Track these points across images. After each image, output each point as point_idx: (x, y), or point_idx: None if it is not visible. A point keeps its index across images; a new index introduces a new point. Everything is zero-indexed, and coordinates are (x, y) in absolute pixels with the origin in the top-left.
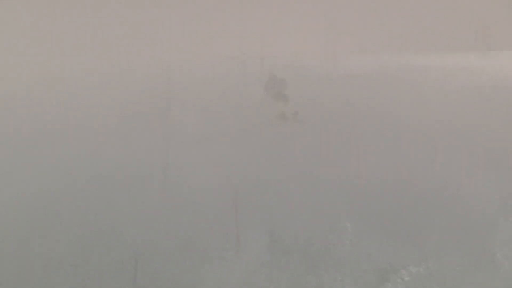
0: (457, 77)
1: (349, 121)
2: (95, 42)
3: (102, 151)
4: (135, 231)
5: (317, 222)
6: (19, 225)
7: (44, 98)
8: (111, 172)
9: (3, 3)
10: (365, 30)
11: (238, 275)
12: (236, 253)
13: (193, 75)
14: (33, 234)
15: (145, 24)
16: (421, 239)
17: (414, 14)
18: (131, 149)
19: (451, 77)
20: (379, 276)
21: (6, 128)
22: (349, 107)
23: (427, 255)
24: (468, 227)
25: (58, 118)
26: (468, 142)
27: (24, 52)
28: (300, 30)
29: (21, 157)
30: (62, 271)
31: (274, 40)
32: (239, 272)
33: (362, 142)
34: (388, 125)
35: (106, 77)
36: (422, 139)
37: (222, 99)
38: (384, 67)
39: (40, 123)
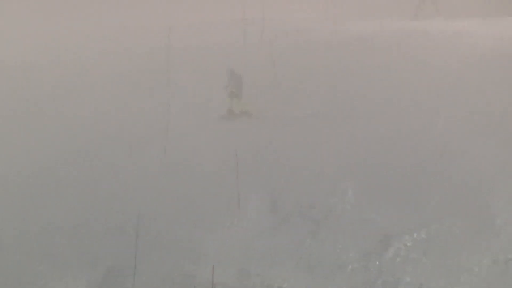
0: (457, 42)
1: (350, 86)
2: (95, 5)
3: (103, 114)
4: (137, 194)
5: (319, 186)
6: (19, 187)
7: (43, 62)
8: (113, 135)
9: None
10: None
11: (239, 239)
12: (237, 217)
13: (193, 39)
14: (33, 197)
15: None
16: (422, 204)
17: None
18: (131, 112)
19: (451, 42)
20: (382, 241)
21: (7, 92)
22: (349, 72)
23: (428, 220)
24: (469, 191)
25: (58, 82)
26: (468, 106)
27: (22, 17)
28: None
29: (22, 121)
30: (63, 234)
31: (275, 5)
32: (240, 236)
33: (363, 106)
34: (388, 90)
35: (106, 40)
36: (422, 103)
37: (222, 63)
38: (384, 32)
39: (40, 87)
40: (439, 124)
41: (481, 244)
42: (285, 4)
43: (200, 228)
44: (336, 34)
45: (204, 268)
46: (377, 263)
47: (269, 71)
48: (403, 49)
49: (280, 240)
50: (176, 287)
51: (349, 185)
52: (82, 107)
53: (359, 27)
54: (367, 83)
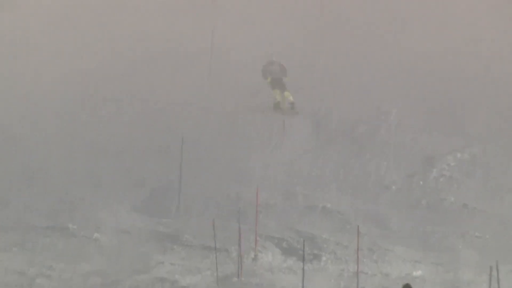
0: None
1: (396, 5)
2: None
3: (149, 32)
4: (181, 116)
5: (362, 107)
6: (67, 104)
7: None
8: (157, 57)
9: None
10: None
11: (283, 160)
12: (281, 138)
13: None
14: (78, 120)
15: None
16: (466, 125)
17: None
18: (176, 33)
19: None
20: (425, 161)
21: (55, 9)
22: None
23: (472, 141)
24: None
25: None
26: None
27: None
28: None
29: (70, 36)
30: (108, 157)
31: None
32: (284, 157)
33: (409, 28)
34: (435, 11)
35: None
36: (467, 23)
37: None
38: None
39: (88, 5)
40: (484, 46)
41: None
42: None
43: (244, 150)
44: None
45: (249, 189)
46: (421, 183)
47: None
48: None
49: (324, 161)
50: (220, 208)
51: (393, 106)
52: (129, 24)
53: None
54: (414, 3)
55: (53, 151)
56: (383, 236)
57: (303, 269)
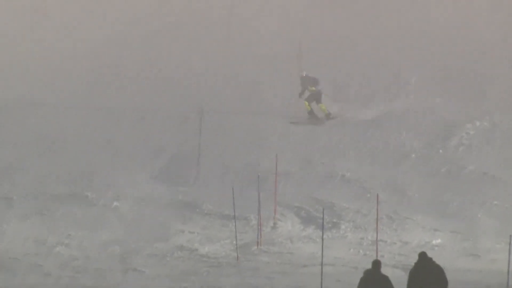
0: None
1: None
2: None
3: (168, 1)
4: (200, 83)
5: (380, 75)
6: (87, 73)
7: None
8: (176, 23)
9: None
10: None
11: (302, 129)
12: (301, 105)
13: None
14: (98, 87)
15: None
16: (485, 93)
17: None
18: None
19: None
20: (444, 130)
21: None
22: None
23: (491, 109)
24: None
25: None
26: None
27: None
28: None
29: (89, 5)
30: (128, 124)
31: None
32: (303, 126)
33: None
34: None
35: None
36: None
37: None
38: None
39: None
40: (504, 13)
41: None
42: None
43: (264, 117)
44: None
45: (268, 157)
46: (441, 151)
47: None
48: None
49: (342, 129)
50: (239, 175)
51: (412, 74)
52: None
53: None
54: None
55: (72, 120)
56: (402, 205)
57: (322, 237)
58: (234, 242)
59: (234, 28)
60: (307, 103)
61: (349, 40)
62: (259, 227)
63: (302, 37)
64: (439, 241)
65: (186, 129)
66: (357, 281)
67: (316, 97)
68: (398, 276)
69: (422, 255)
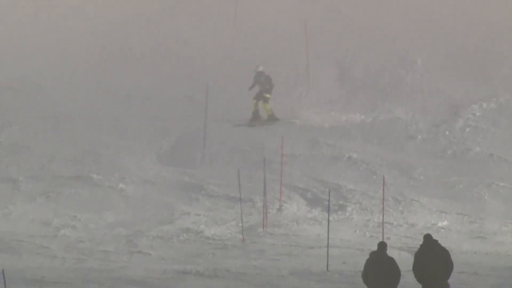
0: None
1: None
2: None
3: None
4: (206, 64)
5: (387, 55)
6: (92, 58)
7: None
8: (182, 5)
9: None
10: None
11: (308, 110)
12: (306, 87)
13: None
14: (105, 68)
15: None
16: (492, 74)
17: None
18: None
19: None
20: (451, 111)
21: None
22: None
23: (498, 90)
24: None
25: None
26: None
27: None
28: None
29: None
30: (134, 105)
31: None
32: (309, 107)
33: None
34: None
35: None
36: None
37: None
38: None
39: None
40: None
41: None
42: None
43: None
44: None
45: (274, 138)
46: (447, 133)
47: None
48: None
49: (349, 110)
50: (245, 156)
51: (418, 55)
52: None
53: None
54: None
55: (78, 100)
56: (409, 186)
57: (328, 219)
58: (240, 224)
59: (240, 7)
60: (255, 101)
61: (355, 21)
62: (265, 209)
63: (308, 16)
64: (445, 223)
65: (192, 109)
66: (363, 263)
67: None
68: (404, 258)
69: (427, 237)
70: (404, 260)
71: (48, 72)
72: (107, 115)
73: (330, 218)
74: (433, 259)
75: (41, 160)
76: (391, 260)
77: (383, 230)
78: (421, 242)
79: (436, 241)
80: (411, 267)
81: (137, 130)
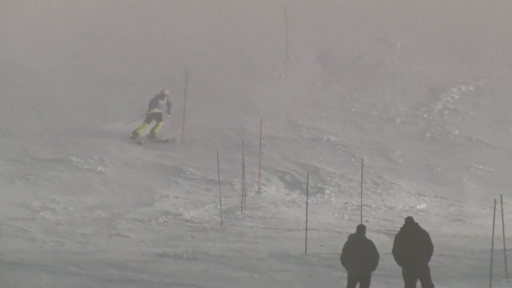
0: None
1: None
2: None
3: None
4: (186, 46)
5: (367, 38)
6: (74, 41)
7: None
8: None
9: None
10: None
11: (287, 92)
12: (286, 69)
13: None
14: (86, 51)
15: None
16: (471, 57)
17: None
18: None
19: None
20: (430, 94)
21: None
22: None
23: (476, 73)
24: None
25: None
26: None
27: None
28: None
29: None
30: (115, 87)
31: None
32: (289, 89)
33: None
34: None
35: None
36: None
37: None
38: None
39: None
40: None
41: None
42: None
43: (248, 81)
44: None
45: (253, 121)
46: (426, 116)
47: None
48: None
49: (328, 93)
50: (225, 138)
51: (398, 38)
52: None
53: None
54: None
55: (59, 83)
56: (387, 169)
57: (306, 202)
58: (219, 206)
59: None
60: (147, 125)
61: (335, 3)
62: (244, 191)
63: (288, 0)
64: (424, 206)
65: (172, 92)
66: (342, 245)
67: (157, 117)
68: (382, 240)
69: (408, 220)
70: (383, 243)
71: (29, 55)
72: (88, 98)
73: (309, 201)
74: (414, 241)
75: (21, 142)
76: (370, 242)
77: (361, 212)
78: (399, 225)
79: (417, 224)
80: (389, 250)
81: (117, 113)
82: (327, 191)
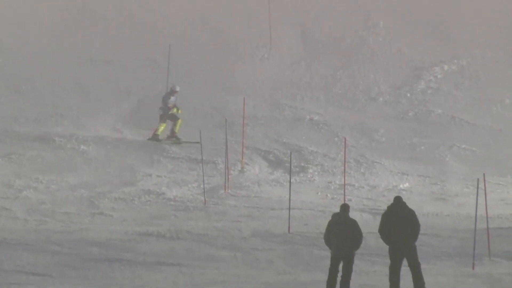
0: None
1: None
2: None
3: None
4: (168, 26)
5: (349, 18)
6: (55, 21)
7: None
8: None
9: None
10: None
11: (270, 72)
12: (268, 49)
13: None
14: (67, 31)
15: None
16: (453, 36)
17: None
18: None
19: None
20: (412, 73)
21: None
22: None
23: (459, 52)
24: (501, 24)
25: None
26: None
27: None
28: None
29: None
30: (96, 67)
31: None
32: (271, 69)
33: None
34: None
35: None
36: None
37: None
38: None
39: None
40: None
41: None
42: None
43: (231, 60)
44: None
45: (235, 100)
46: (408, 95)
47: None
48: None
49: (311, 72)
50: (207, 118)
51: (380, 17)
52: None
53: None
54: None
55: (41, 63)
56: (370, 148)
57: (289, 181)
58: (202, 186)
59: None
60: (164, 124)
61: None
62: (227, 171)
63: None
64: (406, 185)
65: (155, 71)
66: (325, 224)
67: (171, 116)
68: (365, 219)
69: (397, 199)
70: (366, 222)
71: (11, 34)
72: (70, 77)
73: (292, 180)
74: (401, 220)
75: (3, 121)
76: (353, 221)
77: (344, 192)
78: (382, 204)
79: (405, 203)
80: (372, 229)
81: (100, 92)
82: (310, 170)
